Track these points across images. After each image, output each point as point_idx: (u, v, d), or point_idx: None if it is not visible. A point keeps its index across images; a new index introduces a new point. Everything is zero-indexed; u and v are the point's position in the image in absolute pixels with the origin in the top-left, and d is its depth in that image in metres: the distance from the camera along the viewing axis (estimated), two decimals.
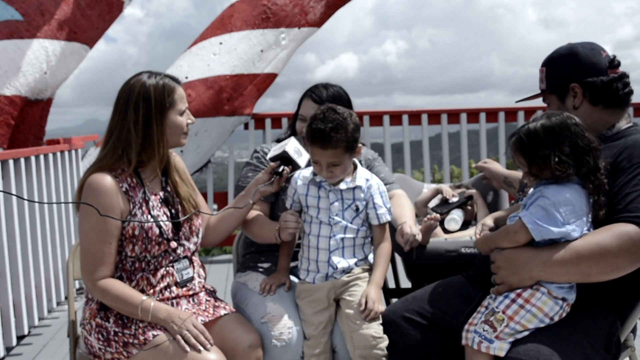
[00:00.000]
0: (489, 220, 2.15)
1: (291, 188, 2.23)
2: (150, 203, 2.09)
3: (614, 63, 2.00)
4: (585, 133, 1.78)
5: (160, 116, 2.06)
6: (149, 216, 2.07)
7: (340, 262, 2.14)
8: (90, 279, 2.02)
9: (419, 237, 2.18)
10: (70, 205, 4.56)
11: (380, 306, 2.09)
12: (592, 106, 1.99)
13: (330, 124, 2.05)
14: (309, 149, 2.15)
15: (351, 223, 2.15)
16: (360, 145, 2.15)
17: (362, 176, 2.18)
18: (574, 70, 2.00)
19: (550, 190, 1.76)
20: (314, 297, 2.14)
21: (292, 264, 2.33)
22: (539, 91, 2.14)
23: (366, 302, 2.07)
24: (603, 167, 1.78)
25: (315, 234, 2.16)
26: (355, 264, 2.16)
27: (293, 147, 2.22)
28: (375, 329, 2.05)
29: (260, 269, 2.40)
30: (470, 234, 2.37)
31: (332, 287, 2.14)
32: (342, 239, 2.14)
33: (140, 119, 2.04)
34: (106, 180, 2.01)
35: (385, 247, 2.20)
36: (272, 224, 2.27)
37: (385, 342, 2.04)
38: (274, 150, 2.25)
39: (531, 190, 1.86)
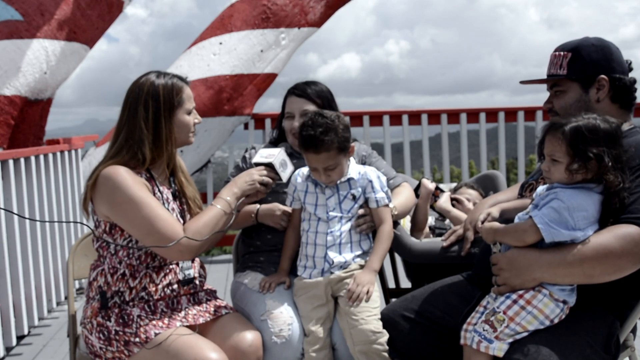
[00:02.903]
0: (495, 211, 2.14)
1: (291, 185, 2.27)
2: (164, 195, 2.13)
3: (630, 67, 2.03)
4: (628, 150, 1.78)
5: (169, 115, 2.09)
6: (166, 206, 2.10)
7: (337, 257, 2.15)
8: (176, 242, 1.96)
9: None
10: (70, 207, 4.57)
11: (369, 288, 2.08)
12: (611, 103, 2.00)
13: (320, 127, 2.10)
14: (299, 157, 2.17)
15: (348, 212, 2.18)
16: (352, 144, 2.19)
17: (355, 169, 2.22)
18: (606, 63, 1.99)
19: (566, 194, 1.74)
20: (311, 294, 2.15)
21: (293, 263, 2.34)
22: (545, 77, 2.09)
23: (351, 286, 2.08)
24: (627, 186, 1.76)
25: (313, 230, 2.19)
26: (353, 259, 2.17)
27: (280, 159, 2.20)
28: (375, 324, 2.05)
29: (260, 269, 2.40)
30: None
31: (329, 283, 2.15)
32: (340, 234, 2.16)
33: (150, 116, 2.06)
34: (121, 168, 2.02)
35: (384, 229, 2.19)
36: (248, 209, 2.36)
37: (385, 337, 2.05)
38: (261, 157, 2.23)
39: (540, 188, 1.85)
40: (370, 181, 2.20)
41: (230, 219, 2.11)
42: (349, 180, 2.20)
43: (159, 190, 2.12)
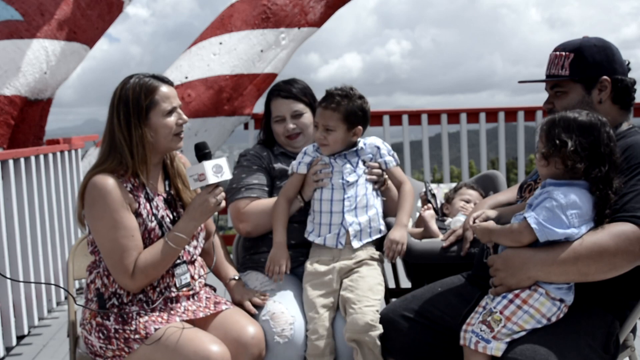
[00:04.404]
0: (491, 213, 2.14)
1: (307, 156, 2.32)
2: (154, 203, 2.09)
3: (628, 67, 2.03)
4: (612, 144, 1.78)
5: (138, 119, 2.02)
6: (152, 216, 2.07)
7: (353, 224, 2.22)
8: (127, 276, 1.99)
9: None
10: (70, 207, 4.57)
11: (404, 244, 2.19)
12: (612, 104, 2.00)
13: (340, 91, 2.25)
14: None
15: (362, 175, 2.27)
16: (360, 127, 2.27)
17: (360, 142, 2.34)
18: (609, 64, 1.99)
19: (558, 192, 1.75)
20: (319, 281, 2.18)
21: (293, 265, 2.33)
22: (544, 77, 2.09)
23: (387, 244, 2.19)
24: (615, 187, 1.77)
25: (327, 198, 2.24)
26: (368, 223, 2.24)
27: (210, 172, 2.04)
28: (371, 316, 2.07)
29: (261, 269, 2.40)
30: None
31: (339, 271, 2.19)
32: (356, 197, 2.24)
33: (123, 123, 2.02)
34: (109, 180, 1.99)
35: (405, 188, 2.32)
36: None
37: (377, 332, 2.06)
38: (195, 180, 2.06)
39: (538, 190, 1.86)
40: (377, 147, 2.32)
41: (178, 253, 2.07)
42: (356, 150, 2.30)
43: (147, 198, 2.07)
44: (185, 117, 2.11)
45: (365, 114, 2.27)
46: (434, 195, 2.69)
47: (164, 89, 2.06)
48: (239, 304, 2.23)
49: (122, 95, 2.03)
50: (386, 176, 2.36)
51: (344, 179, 2.24)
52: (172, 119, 2.07)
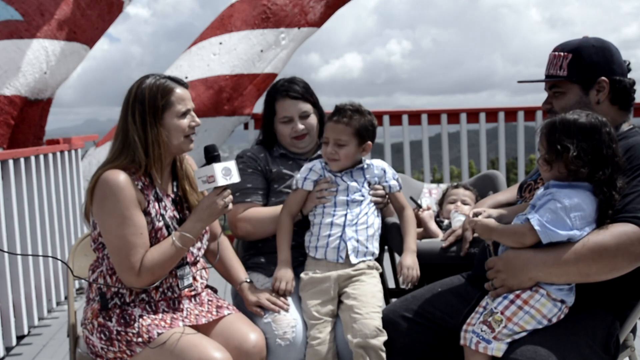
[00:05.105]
0: (493, 212, 2.14)
1: (314, 173, 2.29)
2: (163, 203, 2.09)
3: (628, 67, 2.03)
4: (614, 145, 1.78)
5: (154, 118, 2.03)
6: (160, 216, 2.07)
7: (352, 239, 2.21)
8: (133, 274, 1.98)
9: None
10: (70, 208, 4.57)
11: (417, 269, 2.21)
12: (610, 105, 2.00)
13: (351, 106, 2.26)
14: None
15: (367, 196, 2.28)
16: (369, 143, 2.27)
17: (364, 161, 2.34)
18: (607, 65, 1.98)
19: (562, 194, 1.75)
20: (318, 289, 2.17)
21: (293, 264, 2.33)
22: (543, 77, 2.08)
23: (402, 271, 2.20)
24: (619, 187, 1.76)
25: (330, 212, 2.24)
26: (366, 239, 2.22)
27: (220, 175, 2.05)
28: (378, 322, 2.07)
29: (261, 270, 2.40)
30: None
31: (337, 278, 2.17)
32: (359, 213, 2.23)
33: (138, 120, 2.03)
34: (121, 176, 1.99)
35: (408, 213, 2.35)
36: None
37: (383, 337, 2.05)
38: (203, 182, 2.06)
39: (540, 190, 1.86)
40: (384, 170, 2.33)
41: (184, 253, 2.07)
42: (362, 168, 2.30)
43: (157, 198, 2.08)
44: (197, 120, 2.12)
45: (374, 130, 2.29)
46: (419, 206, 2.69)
47: (179, 91, 2.08)
48: (255, 305, 2.21)
49: (138, 94, 2.04)
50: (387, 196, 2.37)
51: (349, 196, 2.25)
52: (185, 121, 2.08)
